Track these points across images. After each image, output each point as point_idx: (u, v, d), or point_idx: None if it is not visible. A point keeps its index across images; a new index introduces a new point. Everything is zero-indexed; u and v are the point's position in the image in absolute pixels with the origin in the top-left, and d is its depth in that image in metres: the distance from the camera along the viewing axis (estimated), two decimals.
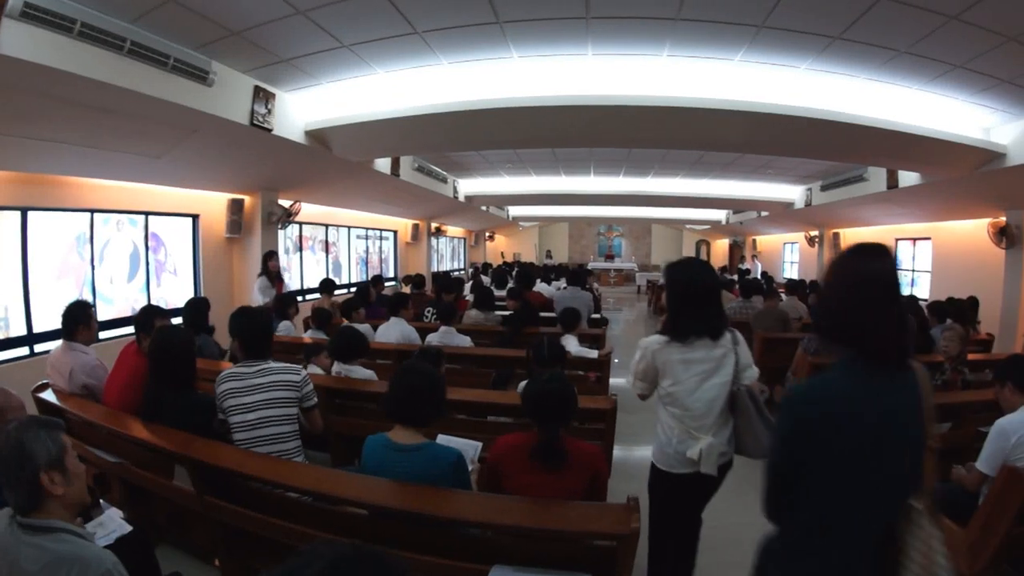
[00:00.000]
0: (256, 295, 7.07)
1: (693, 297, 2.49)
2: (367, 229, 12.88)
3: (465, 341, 5.23)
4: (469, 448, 2.64)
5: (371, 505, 2.28)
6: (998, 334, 7.95)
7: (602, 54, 5.24)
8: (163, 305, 6.99)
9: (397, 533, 2.26)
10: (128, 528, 2.27)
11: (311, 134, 6.54)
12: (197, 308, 4.95)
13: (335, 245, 11.71)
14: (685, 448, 2.44)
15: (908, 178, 8.65)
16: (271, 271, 7.19)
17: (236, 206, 7.89)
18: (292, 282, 9.89)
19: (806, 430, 1.53)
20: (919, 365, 1.58)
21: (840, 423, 1.49)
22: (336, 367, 3.85)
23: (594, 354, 5.00)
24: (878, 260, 1.56)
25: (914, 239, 11.89)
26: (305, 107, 6.34)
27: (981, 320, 7.65)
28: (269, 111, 5.74)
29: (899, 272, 1.71)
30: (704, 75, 5.53)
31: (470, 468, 2.51)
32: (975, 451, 3.04)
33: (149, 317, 3.63)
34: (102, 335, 5.36)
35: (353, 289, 9.11)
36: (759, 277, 11.57)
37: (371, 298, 7.34)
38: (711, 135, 6.74)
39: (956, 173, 7.38)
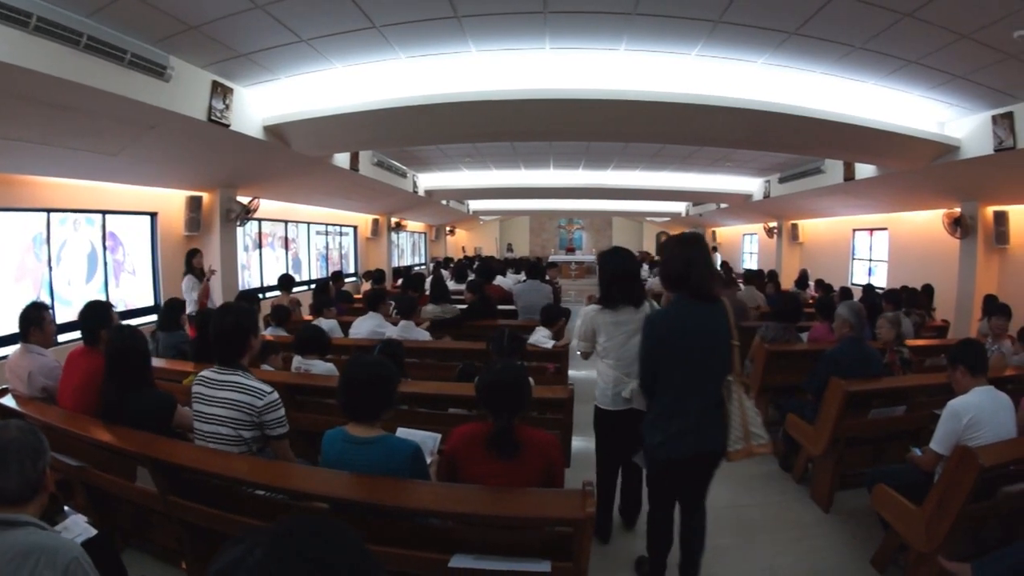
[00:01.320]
0: (184, 294, 6.95)
1: (620, 276, 3.24)
2: (327, 225, 12.76)
3: (424, 335, 5.23)
4: (429, 440, 2.67)
5: (331, 498, 2.28)
6: (953, 320, 8.25)
7: (560, 48, 5.27)
8: (122, 307, 6.95)
9: (358, 526, 2.25)
10: (92, 532, 2.21)
11: (269, 129, 6.46)
12: (173, 308, 5.01)
13: (295, 241, 11.58)
14: (620, 389, 3.17)
15: (864, 170, 8.89)
16: (196, 268, 7.09)
17: (194, 203, 7.75)
18: (252, 280, 9.76)
19: (658, 336, 2.68)
20: (725, 299, 2.76)
21: (676, 332, 2.65)
22: (296, 362, 3.84)
23: (549, 344, 5.07)
24: (694, 243, 2.77)
25: (871, 230, 12.18)
26: (263, 102, 6.26)
27: (937, 307, 7.90)
28: (227, 106, 5.65)
29: (706, 249, 2.81)
30: (662, 69, 5.58)
31: (429, 460, 2.53)
32: (929, 433, 3.15)
33: (100, 314, 3.55)
34: (62, 338, 5.23)
35: (313, 286, 9.00)
36: (718, 268, 11.77)
37: (330, 294, 7.32)
38: (669, 128, 6.82)
39: (912, 166, 7.59)
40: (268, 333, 5.45)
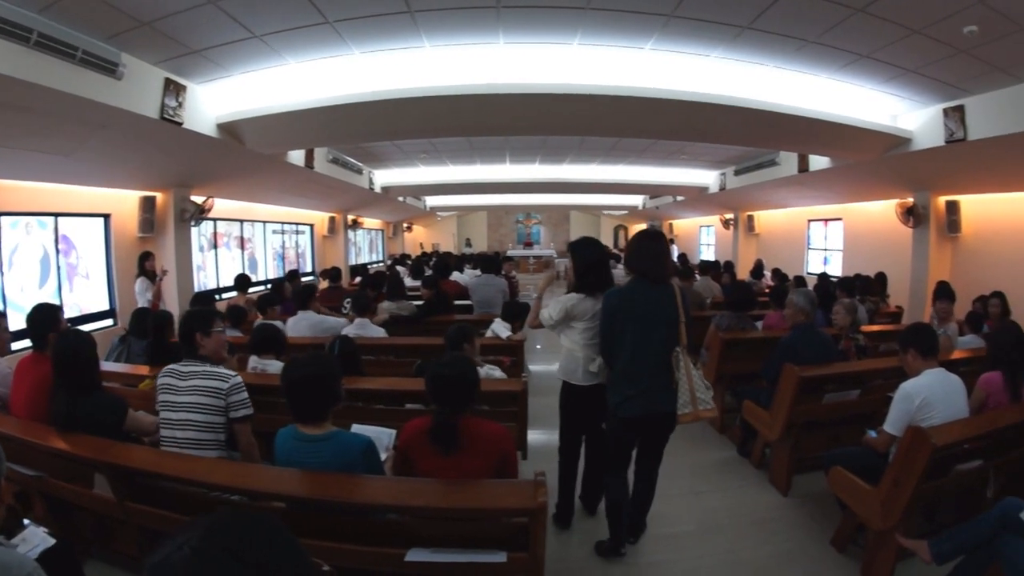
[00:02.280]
0: (136, 296, 6.86)
1: (594, 264, 3.43)
2: (283, 223, 12.56)
3: (379, 332, 5.21)
4: (384, 436, 2.65)
5: (285, 496, 2.27)
6: (907, 307, 8.49)
7: (514, 42, 5.27)
8: (77, 311, 6.76)
9: (315, 524, 2.27)
10: (51, 541, 2.16)
11: (223, 127, 6.33)
12: (140, 318, 4.91)
13: (251, 241, 11.35)
14: (589, 365, 3.36)
15: (819, 162, 9.08)
16: (148, 271, 6.97)
17: (148, 204, 7.56)
18: (208, 281, 9.55)
19: (615, 312, 3.08)
20: (675, 282, 3.27)
21: (632, 308, 3.06)
22: (252, 362, 3.79)
23: (505, 334, 5.12)
24: (659, 238, 3.29)
25: (826, 220, 12.44)
26: (217, 100, 6.14)
27: (891, 294, 8.12)
28: (180, 104, 5.52)
29: (667, 242, 3.32)
30: (616, 64, 5.62)
31: (385, 456, 2.51)
32: (884, 416, 3.23)
33: (48, 317, 3.46)
34: (17, 346, 5.05)
35: (270, 285, 8.88)
36: (675, 260, 11.93)
37: (286, 294, 7.22)
38: (625, 122, 6.85)
39: (865, 157, 7.78)
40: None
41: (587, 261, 3.42)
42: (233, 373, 2.87)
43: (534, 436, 3.96)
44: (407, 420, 2.94)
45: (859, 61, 5.48)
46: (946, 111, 6.37)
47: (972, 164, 7.10)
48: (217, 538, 0.75)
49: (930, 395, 3.05)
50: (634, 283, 3.14)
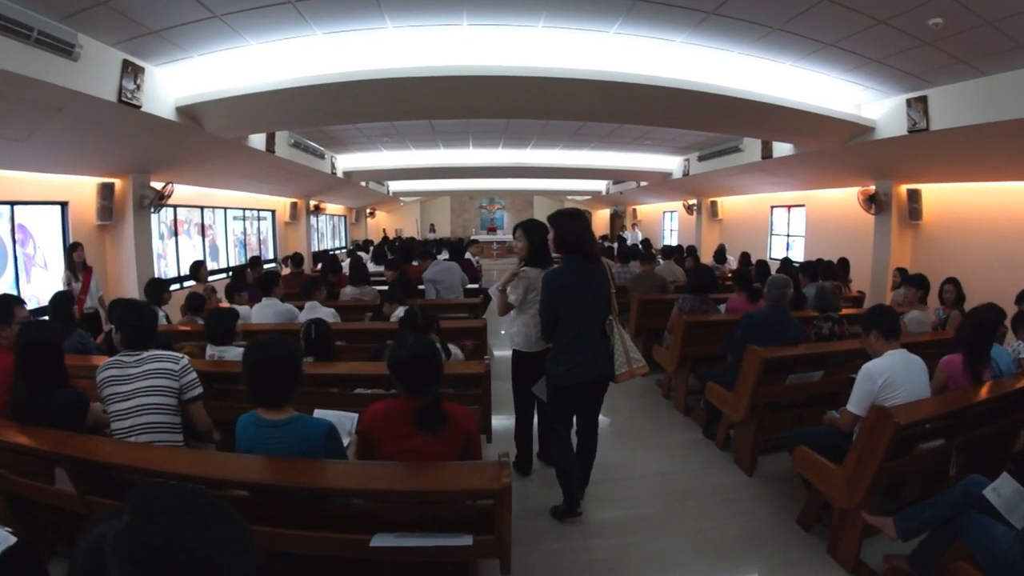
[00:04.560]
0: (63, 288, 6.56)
1: (545, 244, 3.66)
2: (244, 210, 12.27)
3: (328, 314, 5.12)
4: (346, 420, 2.62)
5: (247, 483, 2.22)
6: (869, 291, 8.71)
7: (477, 24, 5.21)
8: (35, 303, 6.55)
9: (278, 511, 2.22)
10: (12, 540, 2.06)
11: (182, 110, 6.15)
12: (61, 303, 4.64)
13: (211, 228, 11.07)
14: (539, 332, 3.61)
15: (782, 149, 9.22)
16: (76, 262, 6.67)
17: (106, 191, 7.34)
18: (169, 269, 9.32)
19: (555, 291, 3.29)
20: (604, 260, 3.53)
21: (570, 285, 3.29)
22: (210, 350, 3.71)
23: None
24: (580, 216, 3.52)
25: (789, 206, 12.64)
26: (176, 82, 5.96)
27: (853, 279, 8.29)
28: (138, 87, 5.36)
29: (588, 221, 3.59)
30: (581, 47, 5.59)
31: (347, 441, 2.48)
32: (847, 396, 3.29)
33: (7, 306, 3.32)
34: None
35: (231, 273, 8.72)
36: (639, 244, 11.98)
37: (248, 280, 7.11)
38: (589, 106, 6.81)
39: (828, 145, 7.92)
40: (184, 322, 5.22)
41: (544, 240, 3.67)
42: (180, 355, 2.88)
43: (498, 420, 3.96)
44: (364, 404, 2.95)
45: (824, 49, 5.55)
46: (909, 101, 6.50)
47: (934, 154, 7.27)
48: (149, 516, 0.72)
49: (893, 375, 3.10)
50: (570, 263, 3.37)
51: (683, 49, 5.70)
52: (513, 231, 4.04)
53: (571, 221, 3.44)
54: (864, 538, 3.07)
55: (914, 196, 8.86)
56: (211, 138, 7.07)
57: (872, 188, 9.17)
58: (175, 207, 9.37)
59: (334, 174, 12.20)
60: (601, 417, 4.52)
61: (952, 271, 6.22)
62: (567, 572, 3.08)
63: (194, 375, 2.84)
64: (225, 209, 11.42)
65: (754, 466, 4.22)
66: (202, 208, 10.52)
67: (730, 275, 8.33)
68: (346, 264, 8.89)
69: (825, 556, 3.22)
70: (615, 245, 13.37)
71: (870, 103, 7.07)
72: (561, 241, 3.40)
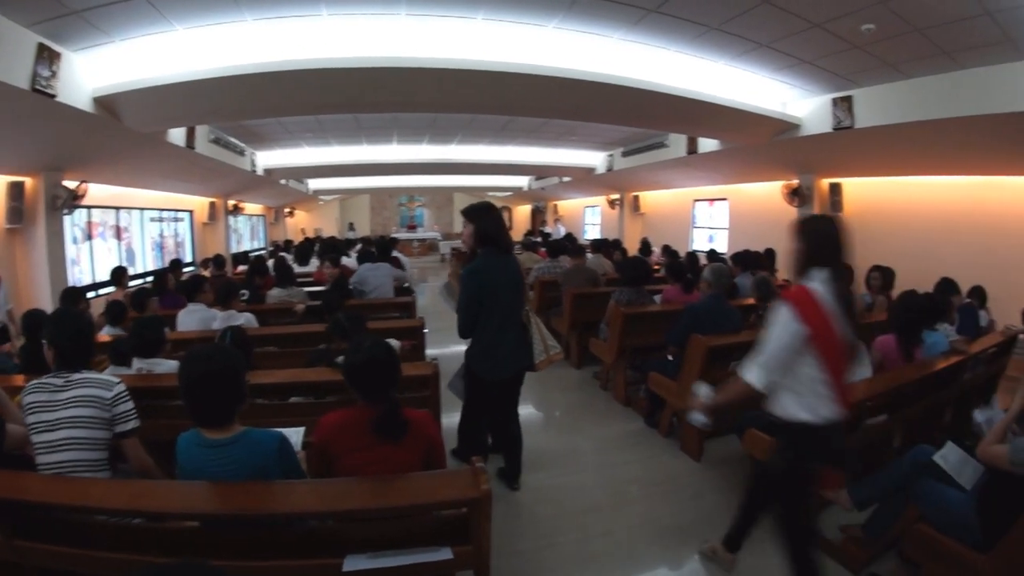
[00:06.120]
0: None
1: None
2: (162, 210, 11.50)
3: (246, 319, 4.91)
4: (292, 435, 2.42)
5: (195, 515, 2.02)
6: (793, 280, 9.06)
7: (416, 15, 5.07)
8: None
9: (234, 540, 2.03)
10: None
11: (100, 101, 5.67)
12: None
13: (128, 230, 10.22)
14: None
15: (707, 144, 9.50)
16: None
17: (15, 191, 6.72)
18: (83, 276, 8.59)
19: (481, 284, 3.38)
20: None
21: (491, 278, 3.39)
22: (136, 364, 3.37)
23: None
24: (495, 209, 3.63)
25: (712, 200, 13.05)
26: (94, 70, 5.49)
27: (779, 268, 8.67)
28: (54, 74, 4.89)
29: (500, 213, 3.68)
30: (520, 41, 5.54)
31: None
32: None
33: None
34: None
35: (154, 277, 8.18)
36: (565, 239, 12.17)
37: (170, 285, 6.76)
38: (523, 100, 6.78)
39: (754, 141, 8.22)
40: (105, 333, 4.73)
41: (490, 225, 3.65)
42: (116, 380, 2.48)
43: (446, 420, 3.85)
44: (297, 415, 2.99)
45: (758, 50, 5.72)
46: (835, 100, 6.84)
47: (856, 150, 7.66)
48: None
49: None
50: (489, 256, 3.48)
51: (620, 46, 5.74)
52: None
53: (490, 214, 3.55)
54: (819, 512, 3.18)
55: (836, 189, 9.32)
56: (129, 132, 6.56)
57: (795, 182, 9.58)
58: (89, 208, 8.62)
59: (254, 172, 11.69)
60: (538, 411, 5.19)
61: (873, 260, 6.59)
62: (535, 570, 3.05)
63: (129, 405, 2.46)
64: (142, 210, 10.61)
65: (701, 451, 4.31)
66: (118, 209, 9.73)
67: (656, 267, 8.51)
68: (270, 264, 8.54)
69: None
70: (539, 239, 13.47)
71: (797, 101, 7.36)
72: (483, 235, 3.50)
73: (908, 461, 2.89)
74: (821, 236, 2.45)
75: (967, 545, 2.38)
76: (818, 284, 2.36)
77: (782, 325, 2.35)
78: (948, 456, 2.72)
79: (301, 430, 2.60)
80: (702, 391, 2.84)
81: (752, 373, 2.45)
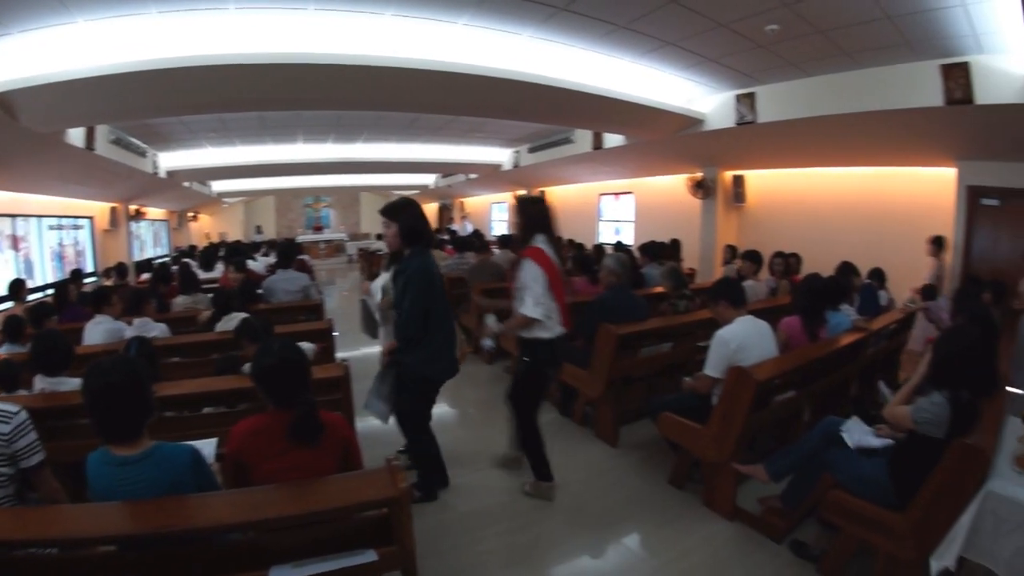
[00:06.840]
0: None
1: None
2: (60, 217, 10.56)
3: (161, 330, 4.74)
4: (205, 447, 2.34)
5: (109, 538, 1.91)
6: (699, 268, 9.70)
7: (324, 9, 4.95)
8: None
9: (154, 562, 1.94)
10: None
11: None
12: None
13: (25, 240, 9.25)
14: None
15: (613, 140, 9.75)
16: None
17: None
18: None
19: (431, 282, 3.30)
20: (437, 252, 3.93)
21: (435, 275, 3.36)
22: (39, 383, 3.17)
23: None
24: (418, 206, 3.48)
25: (617, 194, 13.43)
26: None
27: (684, 258, 9.12)
28: None
29: (422, 211, 3.53)
30: (429, 38, 5.50)
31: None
32: (696, 363, 3.65)
33: None
34: None
35: (55, 290, 7.60)
36: (471, 236, 12.28)
37: (72, 297, 6.40)
38: (431, 97, 6.72)
39: (659, 136, 8.54)
40: (3, 352, 4.39)
41: (413, 222, 3.60)
42: (15, 408, 2.27)
43: (360, 424, 3.76)
44: (209, 427, 2.92)
45: (664, 48, 5.90)
46: (739, 97, 7.18)
47: (758, 144, 8.10)
48: None
49: (744, 339, 3.46)
50: (422, 253, 3.41)
51: (529, 43, 5.81)
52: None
53: (411, 209, 3.44)
54: (736, 486, 3.40)
55: (738, 181, 9.85)
56: (26, 133, 6.06)
57: (699, 175, 10.03)
58: None
59: (156, 174, 11.08)
60: (448, 408, 5.33)
61: (775, 247, 7.05)
62: (468, 568, 3.05)
63: (32, 437, 2.27)
64: (39, 217, 9.68)
65: (617, 438, 4.46)
66: (13, 217, 8.82)
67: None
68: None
69: (703, 509, 3.52)
70: (446, 237, 13.50)
71: (701, 98, 7.67)
72: (409, 232, 3.37)
73: (818, 432, 3.12)
74: (536, 212, 3.48)
75: (882, 506, 2.58)
76: (542, 244, 3.37)
77: (533, 273, 3.29)
78: (852, 429, 2.97)
79: (214, 441, 2.52)
80: (491, 321, 3.67)
81: (530, 309, 3.29)
